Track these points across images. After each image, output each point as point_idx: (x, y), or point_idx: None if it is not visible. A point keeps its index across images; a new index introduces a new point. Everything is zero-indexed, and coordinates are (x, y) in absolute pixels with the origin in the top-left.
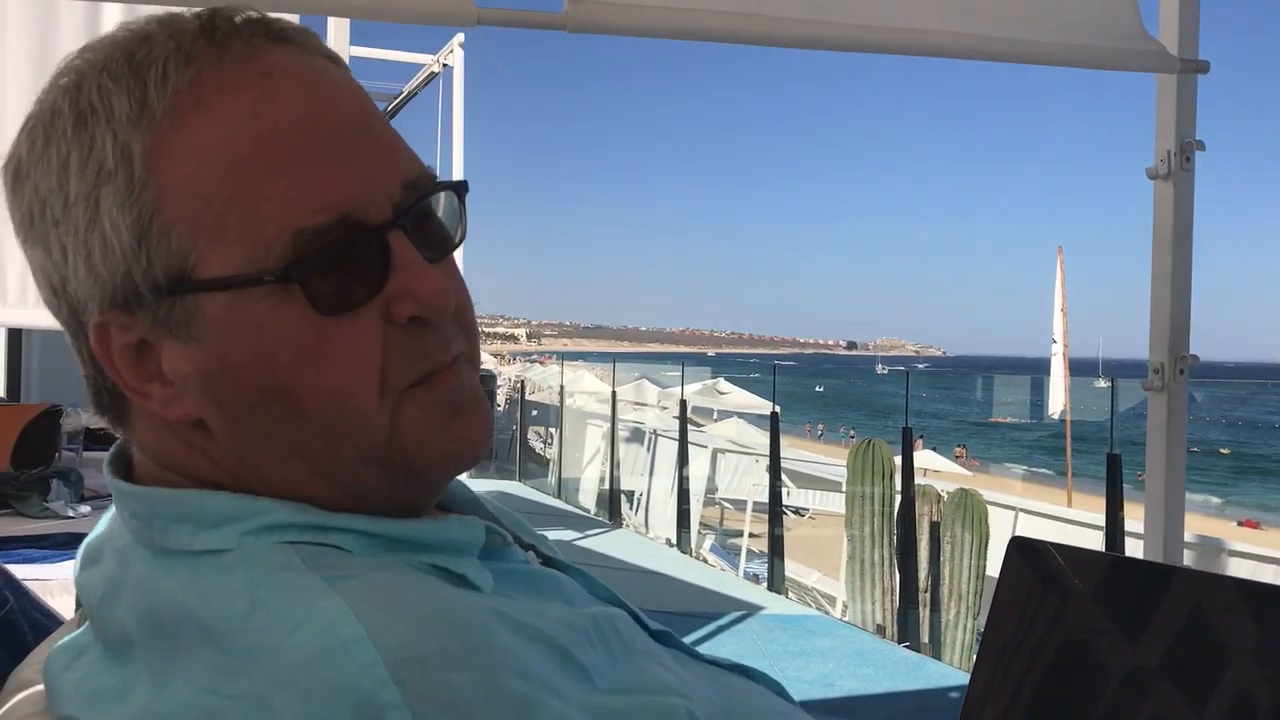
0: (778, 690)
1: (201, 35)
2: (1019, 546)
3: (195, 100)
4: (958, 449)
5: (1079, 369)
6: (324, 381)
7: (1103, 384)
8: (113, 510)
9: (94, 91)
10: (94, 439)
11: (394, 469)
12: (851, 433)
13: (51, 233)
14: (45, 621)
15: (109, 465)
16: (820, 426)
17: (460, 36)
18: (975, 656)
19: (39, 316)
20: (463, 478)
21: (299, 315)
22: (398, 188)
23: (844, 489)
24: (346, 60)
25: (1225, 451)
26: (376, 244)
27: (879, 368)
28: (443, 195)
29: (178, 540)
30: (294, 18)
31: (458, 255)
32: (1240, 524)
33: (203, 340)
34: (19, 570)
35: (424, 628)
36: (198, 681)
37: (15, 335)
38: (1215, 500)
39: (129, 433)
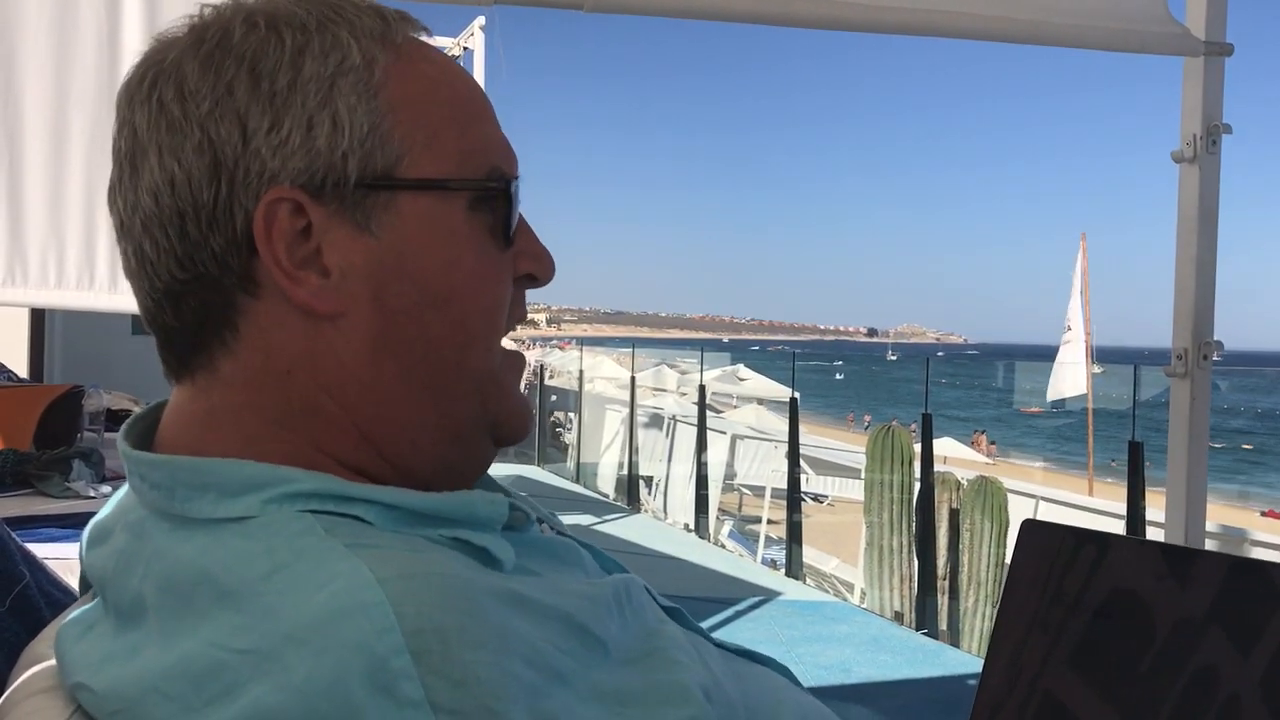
0: (786, 674)
1: (400, 17)
2: (1031, 529)
3: (418, 45)
4: (976, 435)
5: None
6: (485, 296)
7: (1097, 370)
8: (120, 493)
9: (339, 5)
10: (115, 420)
11: (489, 409)
12: (913, 426)
13: (260, 103)
14: (62, 598)
15: (125, 437)
16: (867, 417)
17: (481, 19)
18: (989, 639)
19: (61, 297)
20: None
21: (482, 234)
22: (517, 173)
23: (863, 476)
24: None
25: (1248, 447)
26: (515, 207)
27: (889, 354)
28: None
29: (199, 509)
30: None
31: None
32: (1263, 514)
33: (386, 234)
34: (40, 548)
35: (442, 601)
36: (205, 637)
37: (38, 316)
38: (1238, 489)
39: (226, 350)
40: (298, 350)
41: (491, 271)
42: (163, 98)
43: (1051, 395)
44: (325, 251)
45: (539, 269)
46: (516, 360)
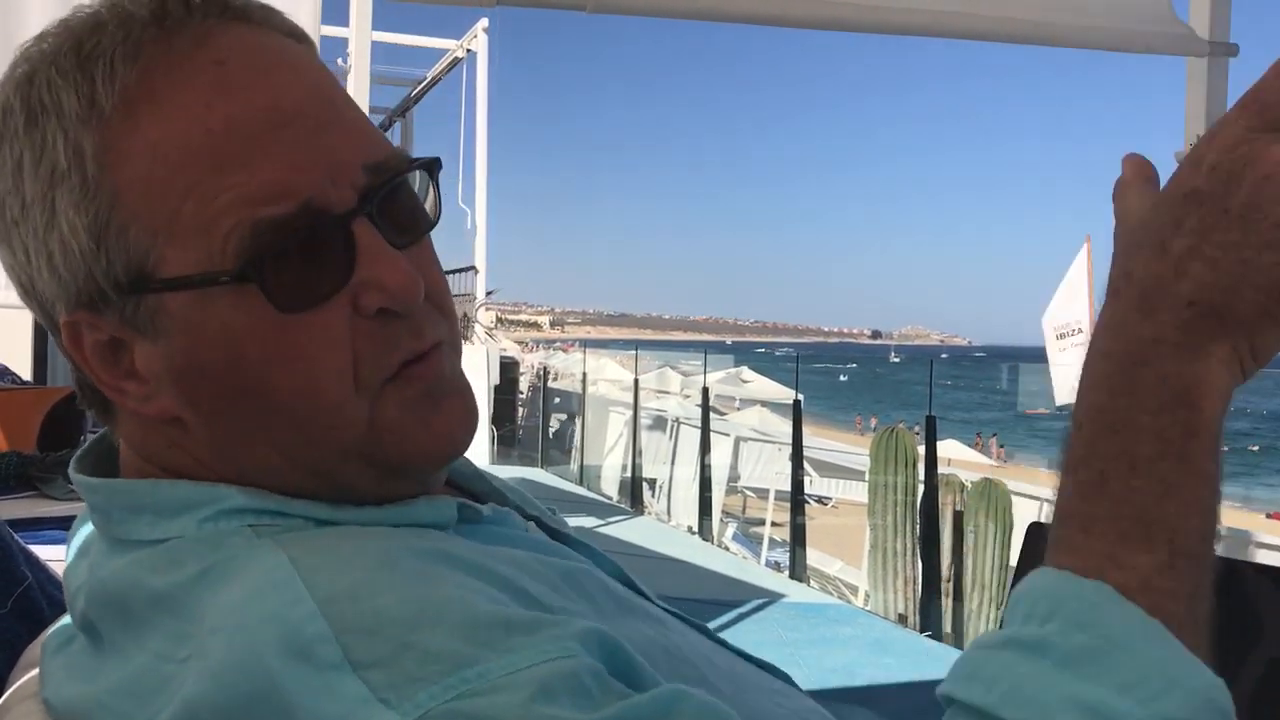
0: (785, 679)
1: (153, 22)
2: (1038, 532)
3: (145, 94)
4: (988, 438)
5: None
6: (292, 378)
7: None
8: None
9: (44, 88)
10: None
11: (375, 463)
12: (917, 428)
13: (13, 233)
14: (63, 598)
15: (75, 462)
16: (874, 420)
17: (484, 21)
18: None
19: None
20: (482, 462)
21: (261, 312)
22: (360, 172)
23: (867, 478)
24: (318, 39)
25: (1254, 449)
26: (341, 233)
27: (892, 355)
28: (416, 175)
29: (136, 530)
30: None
31: (479, 242)
32: (1269, 515)
33: (170, 338)
34: (44, 550)
35: (354, 562)
36: (154, 649)
37: None
38: (1243, 492)
39: (114, 426)
40: (163, 439)
41: (296, 346)
42: None
43: (1060, 399)
44: (136, 358)
45: (388, 299)
46: (415, 385)
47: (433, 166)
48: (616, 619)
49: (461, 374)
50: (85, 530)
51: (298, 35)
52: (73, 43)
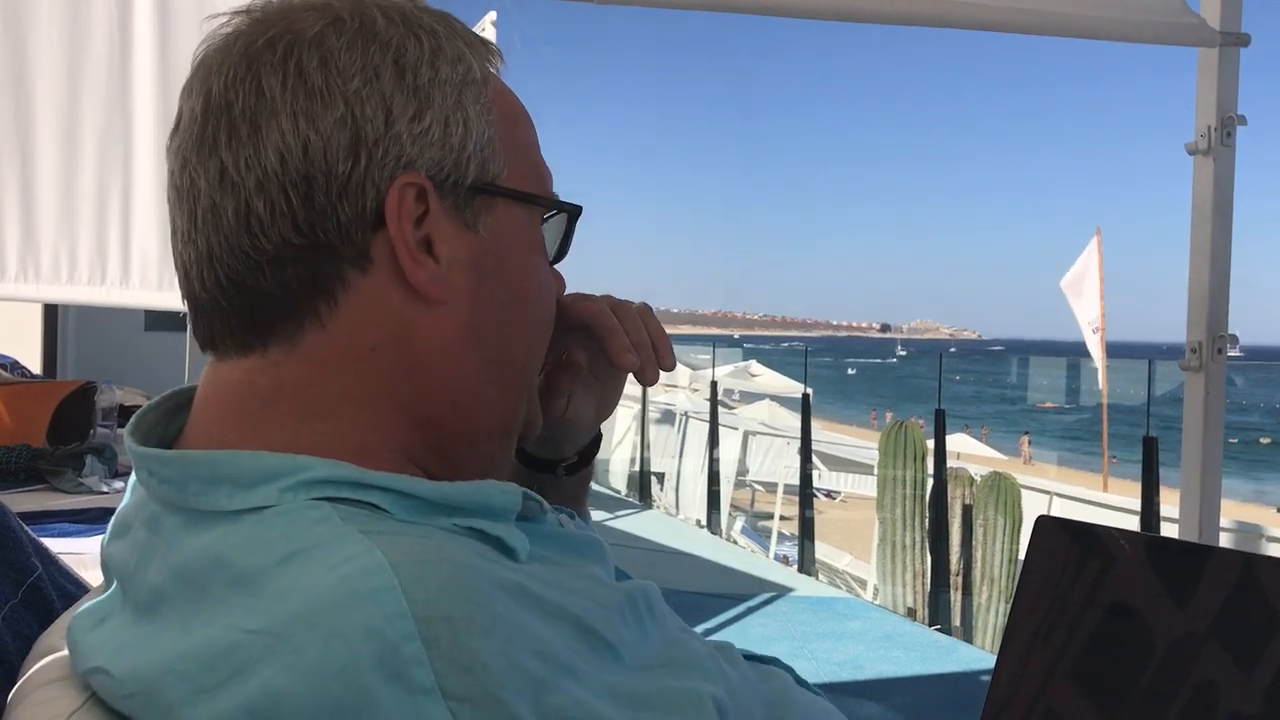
0: (790, 673)
1: None
2: (1045, 525)
3: (493, 74)
4: (984, 430)
5: (1074, 351)
6: (549, 304)
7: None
8: (134, 480)
9: (449, 24)
10: (127, 416)
11: (526, 410)
12: (921, 423)
13: (404, 93)
14: (74, 590)
15: (131, 434)
16: (889, 415)
17: (492, 15)
18: (1001, 639)
19: (73, 292)
20: None
21: (545, 248)
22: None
23: (875, 472)
24: None
25: (1265, 441)
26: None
27: (898, 349)
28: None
29: (215, 501)
30: None
31: None
32: None
33: (486, 235)
34: (54, 543)
35: (453, 589)
36: (222, 622)
37: (51, 312)
38: (1254, 487)
39: (316, 321)
40: (389, 329)
41: (550, 282)
42: (303, 66)
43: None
44: (435, 241)
45: (560, 288)
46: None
47: (576, 214)
48: (656, 635)
49: None
50: (123, 510)
51: None
52: (445, 15)
